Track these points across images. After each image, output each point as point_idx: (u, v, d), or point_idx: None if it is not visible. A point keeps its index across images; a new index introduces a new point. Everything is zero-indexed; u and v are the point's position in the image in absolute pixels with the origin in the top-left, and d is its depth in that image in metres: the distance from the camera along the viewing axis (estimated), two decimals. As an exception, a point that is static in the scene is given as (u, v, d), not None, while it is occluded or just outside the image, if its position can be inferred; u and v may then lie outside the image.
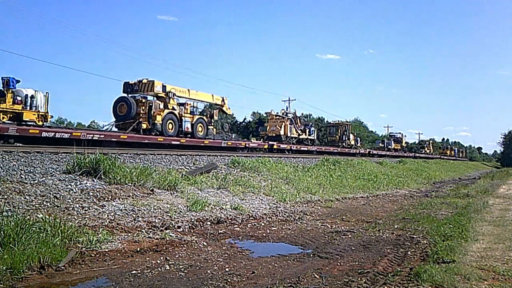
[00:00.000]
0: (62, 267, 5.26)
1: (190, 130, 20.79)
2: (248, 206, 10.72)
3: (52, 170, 9.90)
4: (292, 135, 31.40)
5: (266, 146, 26.45)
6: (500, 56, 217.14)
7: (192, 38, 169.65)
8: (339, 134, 41.45)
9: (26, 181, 8.58)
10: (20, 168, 9.54)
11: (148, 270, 5.46)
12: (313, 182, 16.26)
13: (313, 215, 10.97)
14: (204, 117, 22.29)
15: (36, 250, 5.38)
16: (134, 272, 5.36)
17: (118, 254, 6.05)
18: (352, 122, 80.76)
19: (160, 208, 8.88)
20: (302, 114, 47.41)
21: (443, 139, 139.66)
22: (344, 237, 8.26)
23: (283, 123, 30.77)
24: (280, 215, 10.45)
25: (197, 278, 5.23)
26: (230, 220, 9.25)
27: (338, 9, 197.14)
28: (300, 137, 32.58)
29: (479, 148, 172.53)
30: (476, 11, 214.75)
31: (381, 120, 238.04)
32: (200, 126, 21.67)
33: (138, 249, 6.37)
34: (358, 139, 46.51)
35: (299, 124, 33.37)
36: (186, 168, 13.91)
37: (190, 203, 9.56)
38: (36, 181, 8.71)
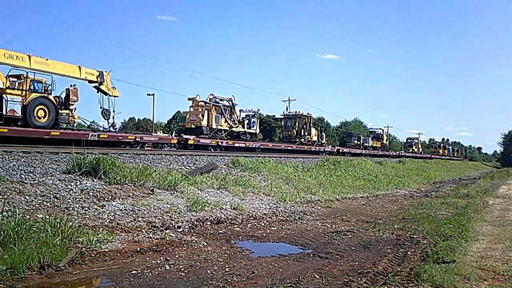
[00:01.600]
0: (62, 267, 5.26)
1: (19, 114, 14.42)
2: (248, 206, 10.72)
3: (52, 170, 9.90)
4: (220, 127, 24.57)
5: (174, 141, 20.29)
6: (500, 56, 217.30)
7: (191, 38, 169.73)
8: (296, 128, 33.83)
9: (26, 181, 8.58)
10: (20, 168, 9.54)
11: (148, 270, 5.46)
12: (313, 182, 16.26)
13: (313, 215, 10.97)
14: (51, 97, 15.70)
15: (36, 250, 5.38)
16: (134, 272, 5.36)
17: (118, 254, 6.04)
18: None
19: (160, 208, 8.87)
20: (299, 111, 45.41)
21: (443, 139, 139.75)
22: (344, 237, 8.25)
23: (207, 112, 23.84)
24: (280, 215, 10.45)
25: (197, 278, 5.23)
26: (230, 220, 9.25)
27: (338, 9, 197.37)
28: (234, 130, 25.90)
29: (479, 148, 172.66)
30: (476, 11, 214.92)
31: (381, 120, 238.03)
32: (42, 109, 15.17)
33: (138, 249, 6.36)
34: (324, 134, 39.49)
35: (236, 115, 26.46)
36: (186, 168, 13.91)
37: (190, 203, 9.56)
38: (36, 181, 8.71)
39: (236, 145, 24.00)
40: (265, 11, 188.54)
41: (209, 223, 8.81)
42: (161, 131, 23.47)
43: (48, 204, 7.67)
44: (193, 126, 23.50)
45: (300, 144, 32.20)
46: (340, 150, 38.17)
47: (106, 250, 6.15)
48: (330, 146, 38.35)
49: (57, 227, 6.22)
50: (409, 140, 74.04)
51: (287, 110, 44.95)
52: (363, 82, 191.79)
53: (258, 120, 28.92)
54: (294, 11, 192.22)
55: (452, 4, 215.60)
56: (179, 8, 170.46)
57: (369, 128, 63.33)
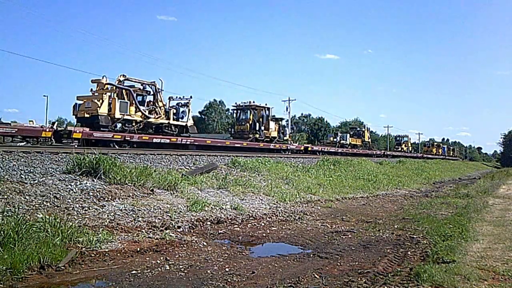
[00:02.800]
0: (62, 267, 5.26)
1: None
2: (248, 206, 10.72)
3: (52, 170, 9.90)
4: (129, 118, 18.89)
5: (47, 134, 15.20)
6: (500, 56, 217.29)
7: (191, 38, 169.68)
8: (250, 122, 28.38)
9: (26, 181, 8.58)
10: (20, 168, 9.54)
11: (148, 270, 5.46)
12: (313, 182, 16.26)
13: (313, 215, 10.97)
14: None
15: (36, 250, 5.37)
16: (134, 272, 5.36)
17: (118, 254, 6.04)
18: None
19: (160, 208, 8.87)
20: (302, 114, 44.74)
21: (443, 139, 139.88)
22: (344, 237, 8.25)
23: (109, 97, 18.01)
24: (280, 215, 10.45)
25: (197, 278, 5.23)
26: (230, 220, 9.25)
27: (337, 9, 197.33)
28: (152, 121, 20.35)
29: (479, 148, 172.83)
30: (476, 11, 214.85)
31: (381, 120, 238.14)
32: None
33: (138, 249, 6.36)
34: (287, 130, 34.05)
35: (163, 103, 21.15)
36: (186, 168, 13.91)
37: (190, 203, 9.56)
38: (36, 181, 8.71)
39: (155, 140, 18.86)
40: (265, 11, 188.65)
41: (209, 223, 8.81)
42: (33, 122, 15.83)
43: (48, 204, 7.67)
44: (86, 115, 17.52)
45: (254, 141, 27.20)
46: (310, 148, 33.26)
47: (106, 250, 6.15)
48: (295, 144, 33.24)
49: (57, 227, 6.23)
50: (397, 138, 69.12)
51: (287, 110, 44.81)
52: (363, 82, 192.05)
53: (190, 110, 22.97)
54: (294, 11, 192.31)
55: (452, 4, 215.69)
56: (179, 8, 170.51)
57: (350, 125, 58.99)
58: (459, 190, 19.97)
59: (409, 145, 66.88)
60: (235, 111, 30.30)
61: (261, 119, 28.92)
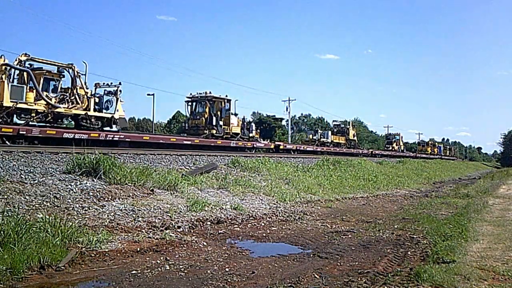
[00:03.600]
0: (62, 267, 5.26)
1: None
2: (248, 206, 10.72)
3: (52, 170, 9.90)
4: (24, 106, 14.82)
5: None
6: (500, 56, 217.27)
7: (191, 38, 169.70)
8: (206, 116, 24.30)
9: (26, 181, 8.58)
10: (20, 168, 9.54)
11: (148, 270, 5.46)
12: (313, 182, 16.26)
13: (313, 215, 10.97)
14: None
15: (36, 250, 5.37)
16: (134, 272, 5.36)
17: (118, 254, 6.04)
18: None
19: (160, 208, 8.87)
20: (302, 114, 44.21)
21: (443, 139, 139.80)
22: (344, 237, 8.25)
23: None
24: (280, 215, 10.44)
25: (197, 278, 5.23)
26: (230, 220, 9.25)
27: (337, 9, 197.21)
28: (61, 111, 16.22)
29: (479, 148, 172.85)
30: (476, 11, 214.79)
31: (381, 120, 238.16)
32: None
33: (138, 249, 6.36)
34: (253, 125, 29.34)
35: (84, 91, 17.15)
36: (186, 168, 13.91)
37: (190, 203, 9.55)
38: (36, 181, 8.71)
39: (66, 135, 15.15)
40: (265, 11, 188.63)
41: (209, 223, 8.80)
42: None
43: (48, 204, 7.67)
44: None
45: (210, 137, 23.54)
46: (282, 147, 29.48)
47: (106, 250, 6.15)
48: (264, 141, 29.98)
49: (57, 227, 6.22)
50: (388, 137, 64.21)
51: (287, 110, 44.74)
52: (363, 82, 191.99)
53: (120, 99, 18.70)
54: (294, 11, 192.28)
55: (452, 4, 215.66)
56: (179, 8, 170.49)
57: (333, 121, 51.27)
58: (459, 190, 19.98)
59: (401, 144, 61.92)
60: (189, 104, 25.22)
61: (219, 113, 24.64)
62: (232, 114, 26.15)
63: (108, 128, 18.26)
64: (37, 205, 7.47)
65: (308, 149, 33.24)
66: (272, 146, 28.82)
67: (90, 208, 8.00)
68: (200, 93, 25.00)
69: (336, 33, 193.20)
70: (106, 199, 8.66)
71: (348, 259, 6.42)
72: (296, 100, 69.95)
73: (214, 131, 24.12)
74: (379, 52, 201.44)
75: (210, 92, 24.80)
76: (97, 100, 17.88)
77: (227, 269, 5.68)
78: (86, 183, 9.30)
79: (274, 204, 11.72)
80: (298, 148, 32.03)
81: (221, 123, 24.76)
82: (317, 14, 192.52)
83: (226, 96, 25.59)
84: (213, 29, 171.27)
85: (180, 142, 20.29)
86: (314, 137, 40.34)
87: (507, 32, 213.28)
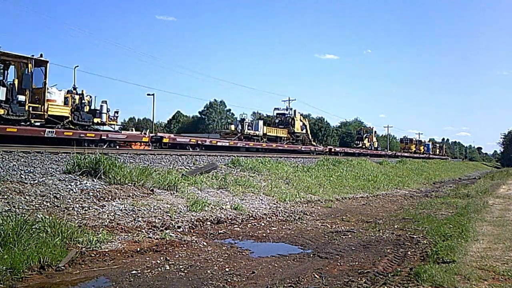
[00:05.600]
0: (62, 267, 5.26)
1: None
2: (248, 206, 10.72)
3: (52, 170, 9.90)
4: None
5: None
6: (500, 56, 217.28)
7: (191, 38, 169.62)
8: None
9: (26, 181, 8.58)
10: (20, 168, 9.54)
11: (148, 270, 5.46)
12: (313, 182, 16.26)
13: (313, 215, 10.97)
14: None
15: (36, 250, 5.37)
16: (134, 272, 5.36)
17: (118, 254, 6.04)
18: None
19: (160, 208, 8.87)
20: (302, 114, 40.76)
21: (443, 139, 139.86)
22: (344, 237, 8.25)
23: None
24: (280, 215, 10.45)
25: (197, 278, 5.23)
26: (230, 220, 9.25)
27: (337, 9, 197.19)
28: None
29: (479, 148, 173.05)
30: (476, 11, 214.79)
31: (381, 120, 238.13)
32: None
33: (138, 249, 6.36)
34: (105, 106, 19.26)
35: None
36: (186, 168, 13.91)
37: (190, 203, 9.55)
38: (36, 181, 8.70)
39: None
40: (264, 11, 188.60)
41: (209, 223, 8.81)
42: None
43: (48, 204, 7.67)
44: None
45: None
46: (166, 140, 20.54)
47: (106, 250, 6.15)
48: (129, 132, 23.36)
49: (57, 227, 6.22)
50: (359, 132, 55.73)
51: (286, 110, 43.68)
52: (363, 82, 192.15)
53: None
54: (294, 11, 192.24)
55: (451, 4, 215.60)
56: (178, 8, 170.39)
57: (274, 108, 39.33)
58: (459, 190, 19.98)
59: (374, 140, 53.57)
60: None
61: (18, 82, 14.84)
62: (54, 86, 16.66)
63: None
64: (37, 205, 7.46)
65: (221, 143, 24.57)
66: (146, 140, 19.61)
67: (90, 208, 8.00)
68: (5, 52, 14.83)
69: (336, 33, 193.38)
70: (106, 199, 8.66)
71: (348, 259, 6.42)
72: (296, 100, 69.73)
73: (2, 112, 14.24)
74: (378, 52, 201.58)
75: (29, 55, 15.18)
76: None
77: (227, 269, 5.68)
78: (86, 183, 9.30)
79: (274, 204, 11.72)
80: (198, 142, 22.47)
81: (22, 98, 14.88)
82: (317, 14, 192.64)
83: (41, 56, 15.51)
84: (213, 29, 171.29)
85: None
86: (238, 129, 30.47)
87: (507, 32, 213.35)
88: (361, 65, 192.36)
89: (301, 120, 38.65)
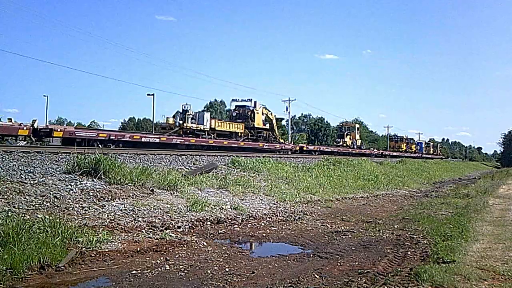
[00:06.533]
0: (62, 267, 5.26)
1: None
2: (248, 206, 10.72)
3: (52, 170, 9.90)
4: None
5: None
6: (500, 56, 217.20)
7: (190, 38, 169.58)
8: None
9: (26, 181, 8.58)
10: (20, 168, 9.54)
11: (148, 270, 5.46)
12: (313, 182, 16.26)
13: (313, 215, 10.97)
14: None
15: (36, 250, 5.37)
16: (134, 272, 5.36)
17: (118, 254, 6.04)
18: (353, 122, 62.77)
19: (160, 208, 8.88)
20: (302, 114, 40.07)
21: (443, 139, 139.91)
22: (344, 237, 8.25)
23: None
24: (280, 215, 10.45)
25: (197, 278, 5.23)
26: (230, 220, 9.25)
27: (336, 9, 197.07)
28: None
29: (479, 148, 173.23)
30: (475, 11, 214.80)
31: (381, 120, 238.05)
32: None
33: (138, 249, 6.36)
34: None
35: None
36: (186, 168, 13.92)
37: (190, 203, 9.56)
38: (36, 181, 8.71)
39: None
40: (264, 11, 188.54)
41: (209, 223, 8.81)
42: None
43: (48, 204, 7.67)
44: None
45: None
46: (63, 133, 16.16)
47: (106, 250, 6.15)
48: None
49: (57, 227, 6.22)
50: (341, 129, 49.90)
51: (287, 110, 42.75)
52: (363, 82, 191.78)
53: None
54: (294, 11, 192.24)
55: (451, 4, 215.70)
56: (178, 8, 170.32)
57: (232, 99, 33.27)
58: (459, 190, 19.96)
59: (357, 138, 48.27)
60: None
61: None
62: None
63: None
64: (37, 205, 7.47)
65: (144, 140, 19.42)
66: (25, 133, 15.01)
67: (90, 208, 8.00)
68: None
69: (336, 33, 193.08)
70: (106, 199, 8.66)
71: (348, 259, 6.42)
72: (296, 100, 69.55)
73: None
74: (378, 52, 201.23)
75: None
76: None
77: (227, 269, 5.68)
78: (86, 183, 9.30)
79: (274, 204, 11.73)
80: (110, 138, 17.68)
81: None
82: (317, 14, 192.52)
83: None
84: (213, 29, 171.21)
85: None
86: (177, 120, 24.55)
87: (507, 32, 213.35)
88: (361, 65, 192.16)
89: (263, 114, 33.25)
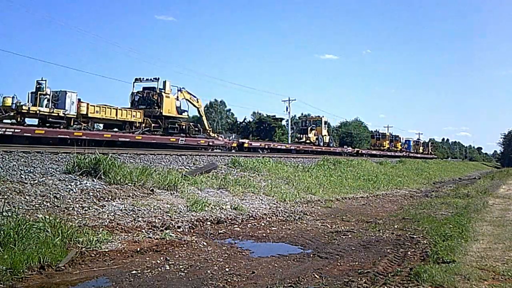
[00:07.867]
0: (62, 267, 5.26)
1: None
2: (248, 206, 10.72)
3: (52, 170, 9.91)
4: None
5: None
6: (500, 57, 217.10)
7: (190, 38, 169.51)
8: None
9: (26, 181, 8.58)
10: (20, 168, 9.55)
11: (148, 270, 5.46)
12: (313, 182, 16.26)
13: (313, 215, 10.97)
14: None
15: (36, 250, 5.38)
16: (134, 272, 5.36)
17: (118, 254, 6.05)
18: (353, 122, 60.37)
19: (160, 208, 8.88)
20: (302, 114, 37.89)
21: (443, 139, 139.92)
22: (344, 237, 8.25)
23: None
24: (280, 215, 10.44)
25: (197, 278, 5.23)
26: (230, 220, 9.25)
27: (336, 9, 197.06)
28: None
29: (479, 148, 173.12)
30: (475, 11, 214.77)
31: (381, 120, 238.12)
32: None
33: (138, 249, 6.37)
34: None
35: None
36: (186, 168, 13.92)
37: (190, 203, 9.56)
38: (36, 181, 8.71)
39: None
40: (264, 11, 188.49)
41: (209, 223, 8.81)
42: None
43: (48, 204, 7.67)
44: None
45: None
46: None
47: (106, 250, 6.15)
48: None
49: (57, 227, 6.22)
50: (305, 123, 41.91)
51: (287, 110, 41.59)
52: (362, 82, 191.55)
53: None
54: (294, 11, 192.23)
55: (451, 4, 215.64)
56: (178, 8, 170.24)
57: (135, 79, 23.44)
58: (459, 190, 19.95)
59: (324, 133, 40.56)
60: None
61: None
62: None
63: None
64: (37, 205, 7.47)
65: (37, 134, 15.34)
66: None
67: (90, 208, 8.00)
68: None
69: (336, 33, 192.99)
70: (106, 199, 8.67)
71: (348, 259, 6.42)
72: (296, 100, 69.42)
73: None
74: (378, 52, 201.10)
75: None
76: None
77: (227, 269, 5.68)
78: (86, 183, 9.31)
79: (274, 204, 11.72)
80: None
81: None
82: (317, 14, 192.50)
83: None
84: (213, 29, 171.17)
85: None
86: (21, 104, 16.54)
87: (507, 32, 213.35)
88: (361, 65, 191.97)
89: (181, 99, 24.65)
